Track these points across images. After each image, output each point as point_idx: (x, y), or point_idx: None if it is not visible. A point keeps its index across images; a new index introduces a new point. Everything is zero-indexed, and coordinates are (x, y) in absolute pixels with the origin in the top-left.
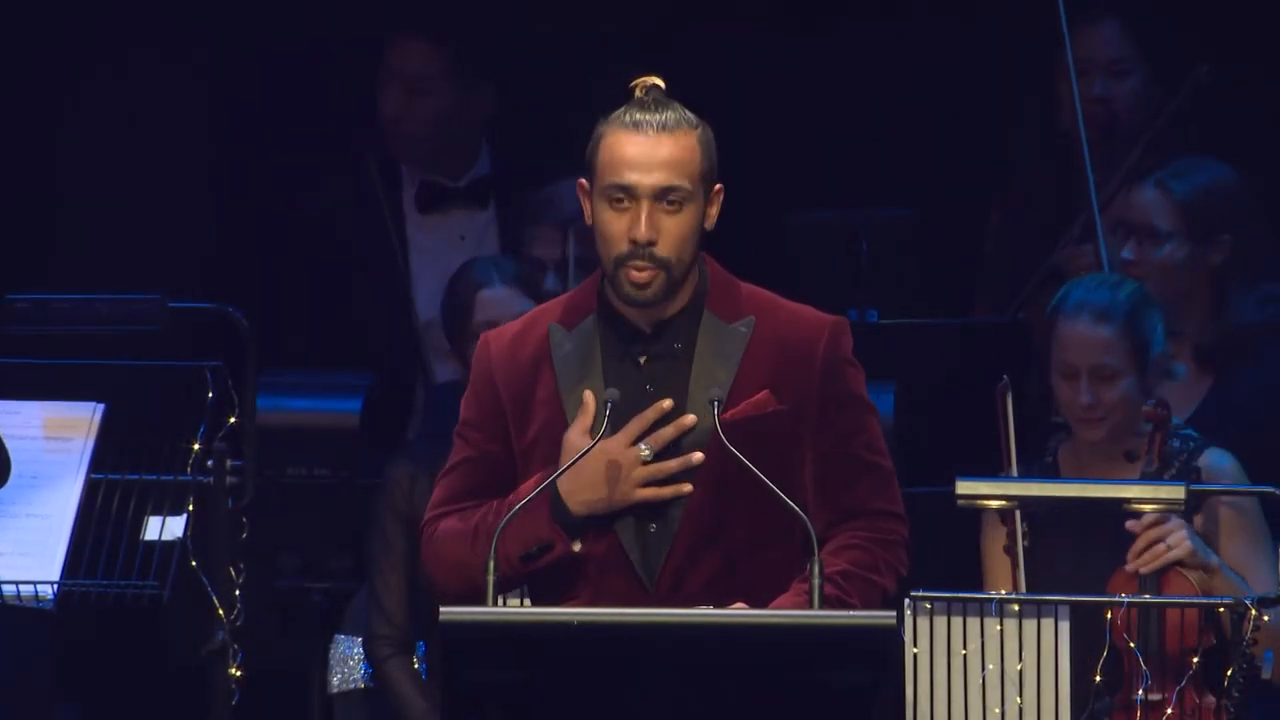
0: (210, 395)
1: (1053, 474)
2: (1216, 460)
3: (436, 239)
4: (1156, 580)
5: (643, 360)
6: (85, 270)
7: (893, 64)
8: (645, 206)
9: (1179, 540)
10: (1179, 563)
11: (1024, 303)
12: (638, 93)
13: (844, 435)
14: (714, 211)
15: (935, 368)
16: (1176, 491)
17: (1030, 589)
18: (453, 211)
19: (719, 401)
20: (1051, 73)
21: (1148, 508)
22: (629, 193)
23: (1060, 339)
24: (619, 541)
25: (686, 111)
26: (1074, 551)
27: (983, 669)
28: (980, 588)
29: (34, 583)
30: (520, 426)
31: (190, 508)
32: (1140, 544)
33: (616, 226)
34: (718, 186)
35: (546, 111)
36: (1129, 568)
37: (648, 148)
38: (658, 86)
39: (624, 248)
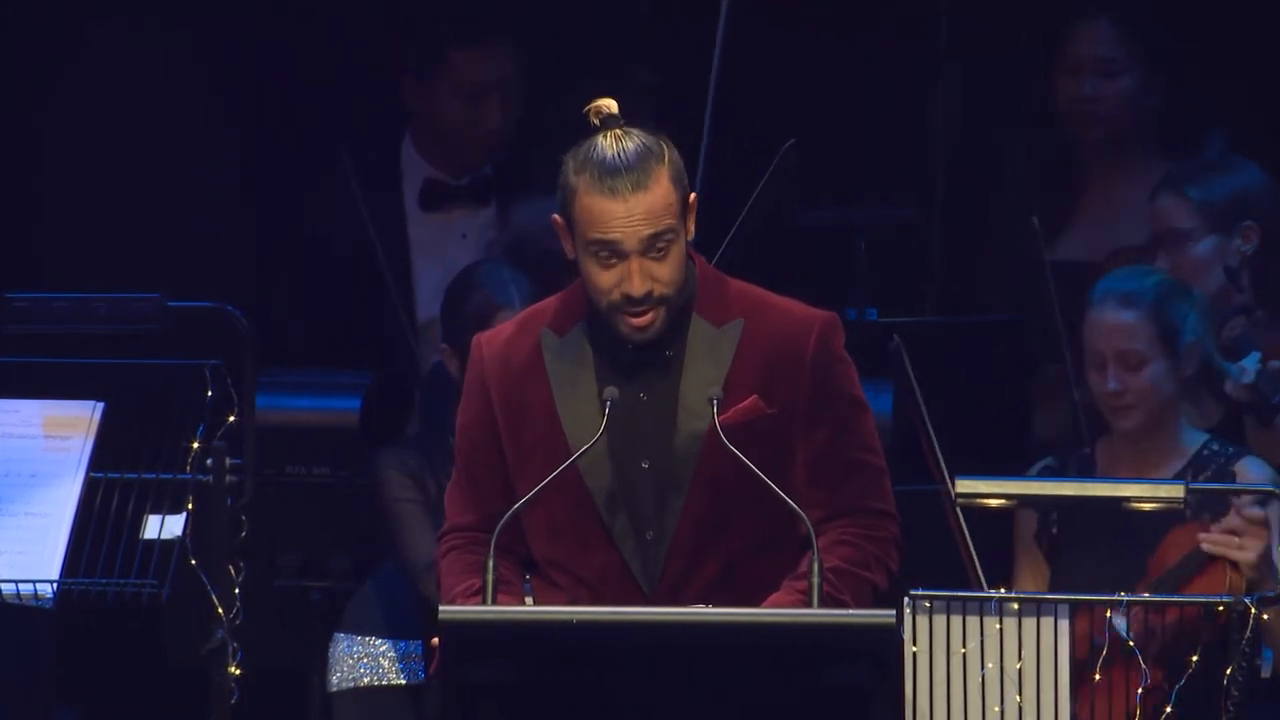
0: (209, 394)
1: (1089, 466)
2: (1252, 469)
3: (439, 237)
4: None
5: (634, 367)
6: (83, 270)
7: (892, 63)
8: (635, 262)
9: (1251, 546)
10: (1236, 563)
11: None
12: (592, 119)
13: (835, 433)
14: (692, 224)
15: (934, 367)
16: (1176, 490)
17: (1057, 579)
18: (455, 210)
19: (718, 400)
20: (1050, 70)
21: (1147, 506)
22: (615, 250)
23: (1089, 328)
24: (619, 551)
25: (649, 141)
26: (1109, 545)
27: (982, 668)
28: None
29: (33, 581)
30: (513, 431)
31: (190, 506)
32: (1224, 525)
33: (605, 279)
34: (691, 198)
35: (548, 106)
36: (1200, 536)
37: (625, 209)
38: (613, 115)
39: (616, 298)
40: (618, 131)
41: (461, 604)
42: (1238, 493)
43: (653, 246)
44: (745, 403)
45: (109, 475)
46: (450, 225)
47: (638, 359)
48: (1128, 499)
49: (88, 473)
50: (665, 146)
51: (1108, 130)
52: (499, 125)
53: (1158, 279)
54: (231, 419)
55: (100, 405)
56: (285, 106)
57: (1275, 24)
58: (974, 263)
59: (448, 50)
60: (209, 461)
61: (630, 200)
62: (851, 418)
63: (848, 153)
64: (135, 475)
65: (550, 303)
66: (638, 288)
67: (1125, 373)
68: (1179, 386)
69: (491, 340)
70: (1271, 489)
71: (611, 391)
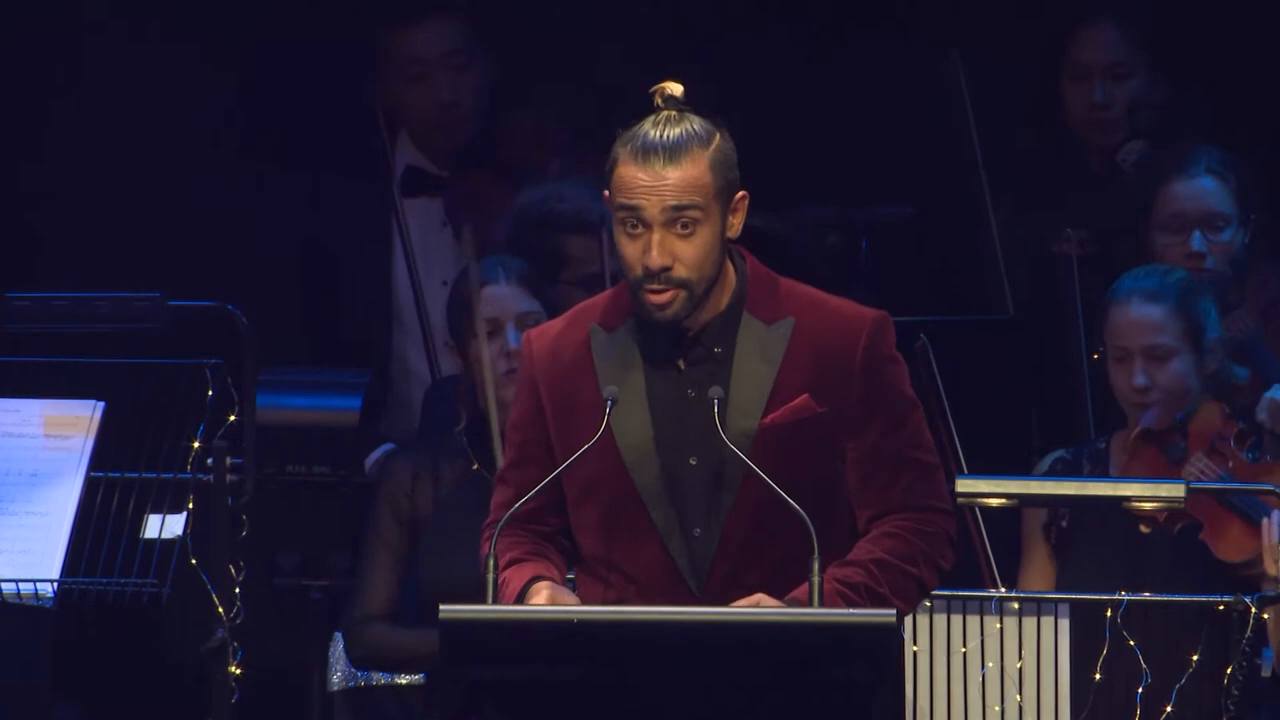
0: (210, 393)
1: (1104, 459)
2: (1276, 394)
3: (420, 223)
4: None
5: (682, 365)
6: (83, 268)
7: (893, 63)
8: (657, 233)
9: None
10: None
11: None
12: (656, 100)
13: (886, 432)
14: (737, 221)
15: (938, 365)
16: (1176, 490)
17: (1068, 569)
18: (436, 196)
19: (718, 400)
20: (1056, 73)
21: (1147, 505)
22: (639, 217)
23: (1112, 325)
24: (666, 548)
25: (701, 125)
26: (1120, 538)
27: (982, 667)
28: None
29: (34, 581)
30: (562, 428)
31: (190, 506)
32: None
33: (631, 251)
34: (740, 194)
35: (534, 93)
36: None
37: (654, 175)
38: (674, 98)
39: (639, 272)
40: (672, 113)
41: (503, 576)
42: (1240, 492)
43: (676, 220)
44: (795, 401)
45: (109, 475)
46: (432, 211)
47: (686, 356)
48: (1127, 498)
49: (88, 472)
50: (718, 135)
51: (1121, 135)
52: (449, 100)
53: (1179, 275)
54: (232, 418)
55: (100, 405)
56: (285, 106)
57: (1273, 25)
58: (975, 262)
59: (385, 33)
60: (209, 461)
61: (660, 169)
62: (902, 416)
63: (848, 153)
64: (136, 475)
65: (601, 298)
66: (655, 260)
67: (1152, 367)
68: (1202, 381)
69: (541, 336)
70: (1272, 489)
71: (611, 391)
